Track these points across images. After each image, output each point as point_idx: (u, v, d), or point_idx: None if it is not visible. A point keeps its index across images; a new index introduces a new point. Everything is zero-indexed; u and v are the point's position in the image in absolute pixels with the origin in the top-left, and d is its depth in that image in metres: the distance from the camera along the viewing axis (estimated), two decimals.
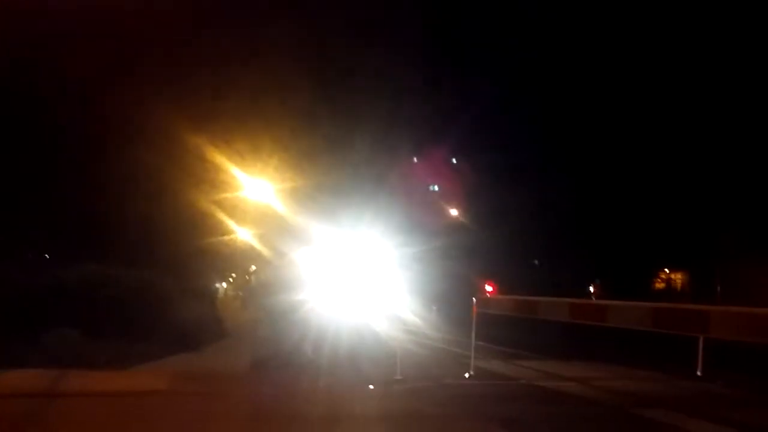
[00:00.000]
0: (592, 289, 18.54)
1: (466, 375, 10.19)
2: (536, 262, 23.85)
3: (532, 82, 24.88)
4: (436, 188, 27.41)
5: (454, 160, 27.29)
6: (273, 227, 26.35)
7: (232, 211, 23.93)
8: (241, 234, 30.03)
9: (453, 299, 17.13)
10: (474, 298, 11.06)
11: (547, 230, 21.59)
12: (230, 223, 26.32)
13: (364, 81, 20.37)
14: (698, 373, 10.31)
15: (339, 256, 16.95)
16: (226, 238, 28.75)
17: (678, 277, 24.30)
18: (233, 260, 36.30)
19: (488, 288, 16.68)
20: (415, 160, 26.62)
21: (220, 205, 22.44)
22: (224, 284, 53.02)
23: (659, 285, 24.39)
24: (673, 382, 10.14)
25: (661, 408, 8.12)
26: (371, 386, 9.18)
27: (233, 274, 51.71)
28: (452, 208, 23.67)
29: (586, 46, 20.64)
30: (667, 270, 24.55)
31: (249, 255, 32.29)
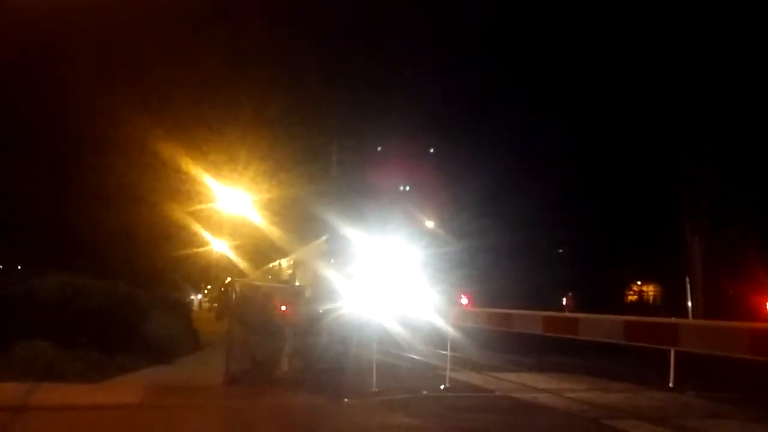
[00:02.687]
0: (564, 301, 18.66)
1: (442, 387, 10.24)
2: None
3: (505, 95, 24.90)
4: (407, 188, 26.71)
5: (431, 150, 26.72)
6: (249, 238, 26.31)
7: (208, 222, 23.90)
8: (217, 245, 29.94)
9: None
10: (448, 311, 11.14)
11: (522, 241, 21.71)
12: (205, 234, 26.26)
13: (344, 91, 20.42)
14: (670, 385, 10.46)
15: (319, 266, 17.14)
16: (201, 249, 28.66)
17: (650, 290, 24.61)
18: (208, 272, 36.14)
19: (463, 300, 16.73)
20: (379, 149, 26.09)
21: (195, 216, 22.40)
22: (199, 296, 52.68)
23: (632, 297, 24.68)
24: (646, 393, 10.26)
25: (632, 419, 8.22)
26: (346, 399, 9.18)
27: (208, 286, 51.41)
28: (426, 214, 23.25)
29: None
30: (639, 282, 24.85)
31: (225, 266, 32.19)
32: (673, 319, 12.32)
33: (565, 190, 22.33)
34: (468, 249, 19.24)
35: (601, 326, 12.80)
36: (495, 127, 25.16)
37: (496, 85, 24.35)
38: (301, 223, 22.34)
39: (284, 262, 25.88)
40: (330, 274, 16.70)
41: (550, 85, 22.82)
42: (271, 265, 27.72)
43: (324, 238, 18.74)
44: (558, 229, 22.52)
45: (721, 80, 18.40)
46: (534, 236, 22.26)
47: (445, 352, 13.84)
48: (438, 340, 13.79)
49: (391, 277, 16.21)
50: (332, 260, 17.93)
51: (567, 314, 16.04)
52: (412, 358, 14.11)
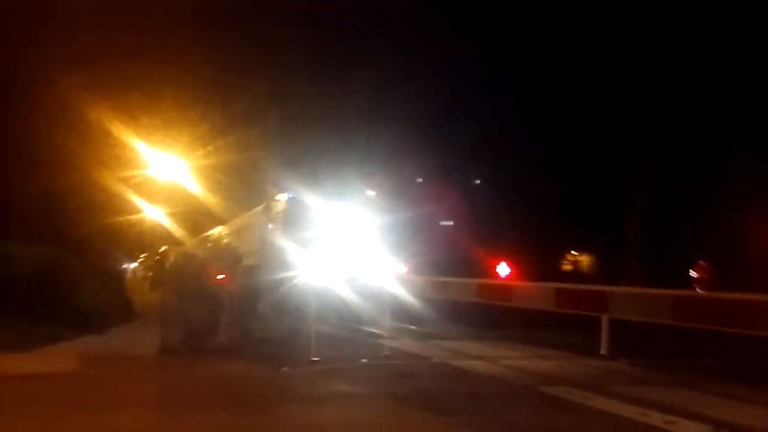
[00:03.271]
0: (500, 269, 18.96)
1: (382, 355, 10.28)
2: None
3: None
4: None
5: None
6: (185, 206, 25.76)
7: (141, 189, 23.18)
8: (151, 213, 29.22)
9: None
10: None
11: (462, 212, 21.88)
12: (138, 201, 25.54)
13: (285, 51, 19.95)
14: (602, 353, 10.77)
15: (269, 232, 16.72)
16: (134, 216, 27.92)
17: (584, 259, 25.22)
18: (142, 240, 35.33)
19: (403, 268, 16.78)
20: None
21: (127, 182, 21.68)
22: (134, 264, 51.59)
23: (566, 267, 25.26)
24: (579, 360, 10.53)
25: (565, 385, 8.42)
26: (284, 368, 9.12)
27: (143, 255, 50.33)
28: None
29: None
30: (574, 252, 25.43)
31: (159, 235, 31.49)
32: (602, 286, 12.75)
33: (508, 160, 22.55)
34: (414, 218, 19.07)
35: (534, 293, 13.21)
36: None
37: None
38: (240, 190, 21.92)
39: (224, 230, 25.45)
40: (281, 241, 16.31)
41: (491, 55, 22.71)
42: (210, 232, 27.26)
43: (275, 200, 17.91)
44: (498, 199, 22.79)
45: (665, 56, 18.71)
46: (476, 204, 22.47)
47: (411, 327, 14.02)
48: (401, 312, 13.70)
49: (349, 245, 15.95)
50: (283, 226, 17.27)
51: (501, 282, 16.42)
52: (351, 327, 14.10)
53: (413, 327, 14.16)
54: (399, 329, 12.77)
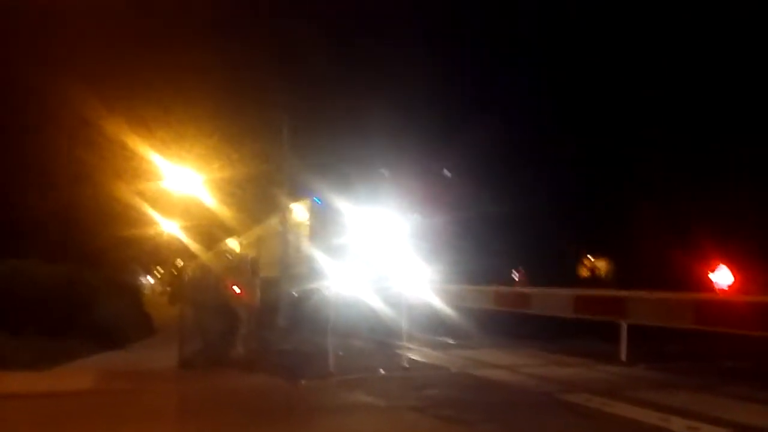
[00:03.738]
0: (517, 276, 18.77)
1: (402, 366, 10.24)
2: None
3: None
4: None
5: None
6: (201, 219, 25.86)
7: (156, 202, 23.32)
8: (167, 226, 29.38)
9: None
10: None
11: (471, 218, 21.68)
12: (155, 214, 25.69)
13: (295, 65, 20.03)
14: (622, 359, 10.67)
15: (294, 241, 16.51)
16: (150, 230, 28.07)
17: (601, 265, 25.05)
18: (159, 254, 35.50)
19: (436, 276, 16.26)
20: None
21: (143, 195, 21.84)
22: (151, 279, 51.85)
23: (584, 273, 25.09)
24: (599, 367, 10.44)
25: (585, 393, 8.35)
26: (303, 381, 9.11)
27: (160, 269, 50.61)
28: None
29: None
30: (590, 257, 25.27)
31: (176, 248, 31.66)
32: (620, 291, 12.59)
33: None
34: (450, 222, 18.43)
35: (552, 300, 13.04)
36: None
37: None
38: (255, 202, 21.97)
39: (241, 242, 25.56)
40: (306, 249, 15.81)
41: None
42: (226, 245, 27.36)
43: (298, 206, 17.29)
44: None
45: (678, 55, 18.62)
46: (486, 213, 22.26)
47: (450, 341, 13.35)
48: (438, 324, 13.23)
49: (382, 252, 15.20)
50: (308, 233, 16.55)
51: (519, 289, 16.16)
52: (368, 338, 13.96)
53: (450, 340, 13.63)
54: (425, 340, 12.65)
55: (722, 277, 13.17)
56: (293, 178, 16.84)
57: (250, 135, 19.56)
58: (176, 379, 9.93)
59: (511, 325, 13.82)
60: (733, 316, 9.35)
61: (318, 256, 15.22)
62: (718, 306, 9.96)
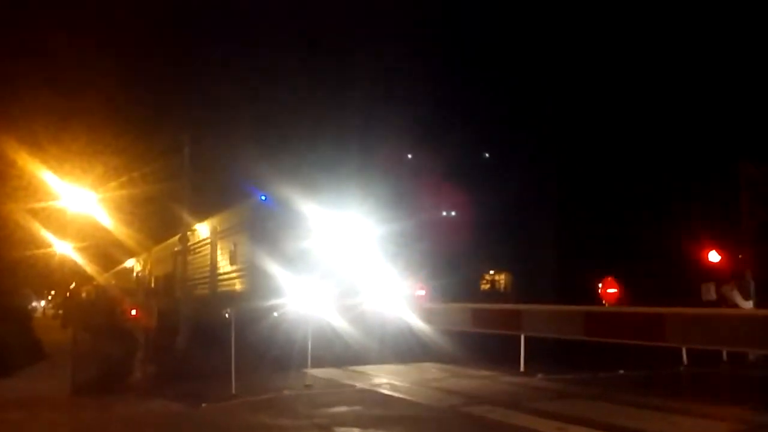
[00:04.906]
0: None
1: (304, 385, 10.15)
2: None
3: None
4: None
5: None
6: (97, 239, 24.83)
7: (50, 222, 22.23)
8: (61, 247, 28.03)
9: None
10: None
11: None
12: (48, 235, 24.46)
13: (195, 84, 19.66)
14: (521, 370, 10.99)
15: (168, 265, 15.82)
16: (42, 251, 26.70)
17: (501, 278, 25.70)
18: (52, 276, 33.79)
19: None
20: None
21: (35, 215, 20.77)
22: (42, 302, 49.40)
23: (485, 286, 25.65)
24: (500, 379, 10.71)
25: (487, 404, 8.54)
26: (204, 404, 8.87)
27: (52, 291, 48.24)
28: None
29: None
30: (492, 271, 25.86)
31: (70, 269, 30.22)
32: (516, 305, 12.99)
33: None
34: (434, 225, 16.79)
35: (452, 315, 13.28)
36: None
37: None
38: (157, 222, 21.31)
39: (139, 263, 24.73)
40: (252, 261, 13.51)
41: None
42: (123, 266, 26.41)
43: (242, 205, 14.87)
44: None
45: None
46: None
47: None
48: (417, 345, 12.20)
49: (349, 262, 13.35)
50: (250, 238, 14.15)
51: (423, 305, 16.25)
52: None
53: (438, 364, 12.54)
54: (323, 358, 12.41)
55: (609, 288, 13.90)
56: (192, 198, 16.16)
57: (152, 153, 18.99)
58: (68, 406, 9.42)
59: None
60: (623, 326, 9.84)
61: (266, 267, 13.17)
62: (606, 317, 10.49)
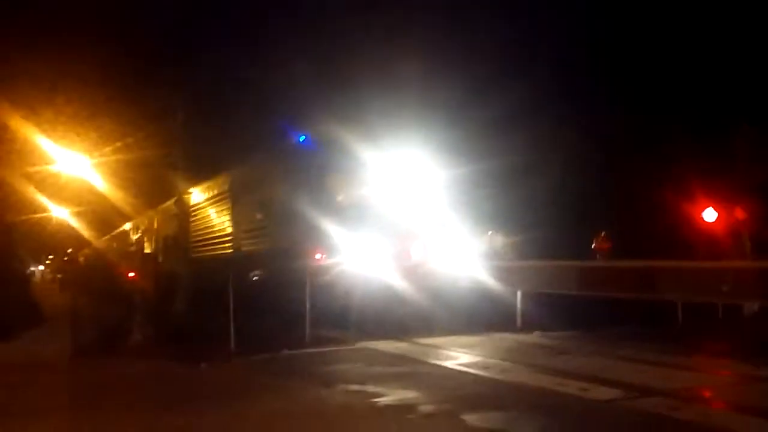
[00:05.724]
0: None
1: (305, 343, 10.11)
2: None
3: None
4: None
5: None
6: (94, 204, 24.78)
7: (45, 186, 22.16)
8: (58, 212, 28.00)
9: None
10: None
11: None
12: (44, 199, 24.41)
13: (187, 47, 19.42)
14: (518, 326, 11.06)
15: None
16: (39, 215, 26.68)
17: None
18: (49, 240, 33.85)
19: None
20: None
21: (30, 179, 20.70)
22: (41, 267, 49.57)
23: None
24: (496, 335, 10.74)
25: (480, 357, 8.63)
26: (203, 364, 8.92)
27: (50, 256, 48.39)
28: None
29: None
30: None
31: (67, 234, 30.25)
32: (512, 262, 12.76)
33: None
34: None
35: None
36: None
37: None
38: (151, 186, 21.21)
39: (136, 226, 24.68)
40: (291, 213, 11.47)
41: None
42: (121, 230, 26.37)
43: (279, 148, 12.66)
44: None
45: None
46: None
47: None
48: (486, 308, 10.65)
49: (409, 215, 11.36)
50: (285, 184, 12.00)
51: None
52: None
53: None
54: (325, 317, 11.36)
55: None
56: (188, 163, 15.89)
57: (146, 118, 18.82)
58: (69, 369, 9.49)
59: None
60: (615, 280, 9.90)
61: (307, 219, 11.15)
62: (599, 272, 10.52)
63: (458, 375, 8.08)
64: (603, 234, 13.42)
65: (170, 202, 17.77)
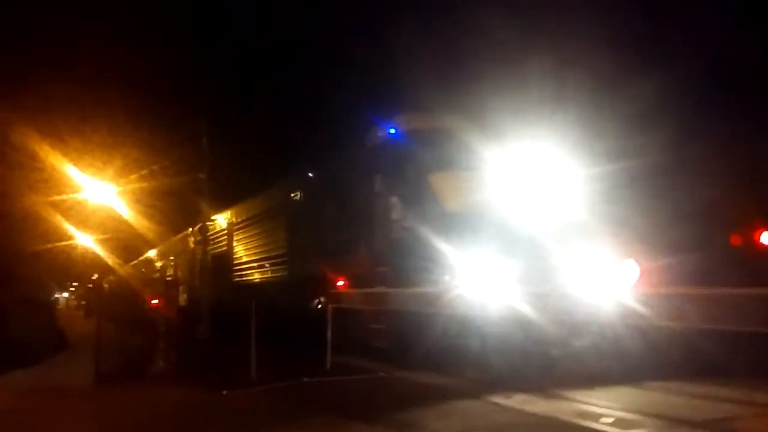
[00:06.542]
0: None
1: (325, 371, 10.10)
2: None
3: None
4: None
5: None
6: (118, 231, 25.07)
7: (71, 214, 22.47)
8: (82, 239, 28.37)
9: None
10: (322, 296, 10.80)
11: None
12: (69, 227, 24.74)
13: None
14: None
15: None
16: (64, 243, 27.01)
17: None
18: (74, 267, 34.24)
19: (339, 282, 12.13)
20: None
21: (57, 207, 21.01)
22: (65, 294, 50.16)
23: None
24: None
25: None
26: (224, 392, 8.95)
27: (75, 283, 48.97)
28: None
29: None
30: None
31: (91, 261, 30.59)
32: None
33: None
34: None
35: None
36: None
37: None
38: (175, 213, 21.44)
39: (160, 254, 24.95)
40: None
41: None
42: (145, 257, 26.68)
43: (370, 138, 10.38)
44: None
45: None
46: None
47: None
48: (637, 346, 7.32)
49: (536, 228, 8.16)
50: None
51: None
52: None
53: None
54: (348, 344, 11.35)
55: None
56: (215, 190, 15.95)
57: (171, 145, 19.11)
58: (93, 396, 9.59)
59: None
60: None
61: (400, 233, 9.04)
62: None
63: None
64: None
65: (195, 229, 17.93)
